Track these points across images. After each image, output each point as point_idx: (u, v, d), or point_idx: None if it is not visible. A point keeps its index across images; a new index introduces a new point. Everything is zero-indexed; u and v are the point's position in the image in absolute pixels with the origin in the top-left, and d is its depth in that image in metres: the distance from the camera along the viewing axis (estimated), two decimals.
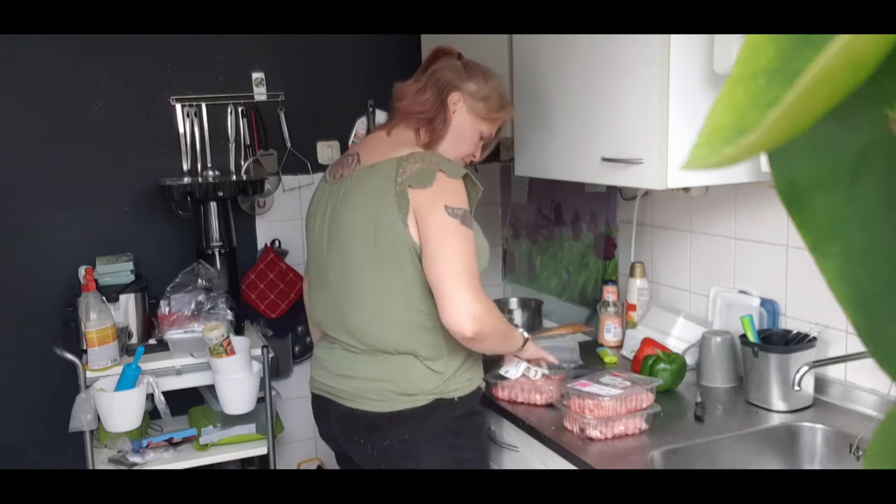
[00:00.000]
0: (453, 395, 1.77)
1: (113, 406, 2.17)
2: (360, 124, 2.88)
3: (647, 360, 1.97)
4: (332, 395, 1.84)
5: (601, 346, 2.34)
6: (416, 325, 1.73)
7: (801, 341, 1.83)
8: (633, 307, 2.32)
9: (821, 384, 1.86)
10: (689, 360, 2.05)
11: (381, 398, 1.74)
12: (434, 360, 1.74)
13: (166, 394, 2.25)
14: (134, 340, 2.38)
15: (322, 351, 1.90)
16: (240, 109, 2.71)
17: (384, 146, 1.82)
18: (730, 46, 1.59)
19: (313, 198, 1.93)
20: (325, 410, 1.88)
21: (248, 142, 2.73)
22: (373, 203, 1.72)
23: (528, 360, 1.95)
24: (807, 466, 1.73)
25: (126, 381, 2.18)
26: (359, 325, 1.76)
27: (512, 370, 1.95)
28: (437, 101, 1.83)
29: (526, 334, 1.89)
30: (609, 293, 2.36)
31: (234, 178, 2.67)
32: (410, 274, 1.70)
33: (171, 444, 2.34)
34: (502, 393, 1.95)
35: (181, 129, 2.65)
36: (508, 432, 1.93)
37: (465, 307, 1.63)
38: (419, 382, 1.74)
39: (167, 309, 2.35)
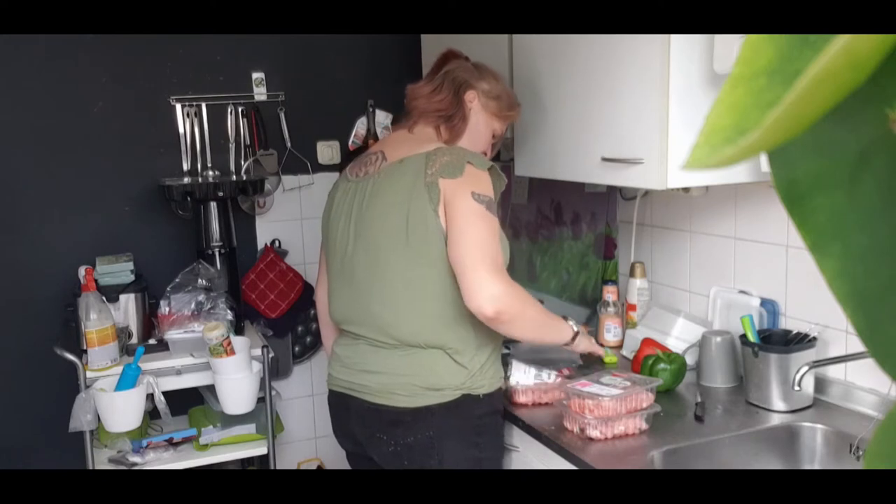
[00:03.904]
0: (479, 392, 1.77)
1: (113, 406, 2.17)
2: (360, 124, 2.88)
3: (647, 360, 1.97)
4: (354, 391, 1.83)
5: (601, 346, 2.34)
6: (445, 318, 1.73)
7: (801, 341, 1.83)
8: (633, 307, 2.32)
9: (821, 384, 1.86)
10: (689, 360, 2.05)
11: (408, 393, 1.74)
12: (462, 353, 1.75)
13: (166, 394, 2.25)
14: (134, 340, 2.38)
15: (343, 348, 1.89)
16: (240, 109, 2.71)
17: (409, 143, 1.84)
18: (730, 46, 1.59)
19: (333, 198, 1.92)
20: (346, 407, 1.86)
21: (248, 142, 2.74)
22: (403, 196, 1.73)
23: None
24: (807, 466, 1.73)
25: (126, 381, 2.18)
26: (389, 319, 1.75)
27: (521, 377, 1.94)
28: (454, 100, 1.88)
29: (576, 327, 1.86)
30: (609, 293, 2.36)
31: (234, 178, 2.67)
32: (441, 266, 1.71)
33: (171, 444, 2.34)
34: (519, 397, 1.93)
35: (181, 129, 2.65)
36: (508, 432, 1.93)
37: (486, 288, 1.63)
38: (446, 377, 1.74)
39: (167, 309, 2.35)
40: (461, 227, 1.67)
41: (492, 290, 1.64)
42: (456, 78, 1.89)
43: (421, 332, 1.74)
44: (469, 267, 1.65)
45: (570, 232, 2.66)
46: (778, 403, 1.81)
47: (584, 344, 1.90)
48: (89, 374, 2.19)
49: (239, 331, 2.46)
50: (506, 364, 1.97)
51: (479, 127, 1.91)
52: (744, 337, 1.88)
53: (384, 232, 1.75)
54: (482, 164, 1.75)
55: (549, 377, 1.92)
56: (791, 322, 1.93)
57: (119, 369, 2.20)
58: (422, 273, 1.72)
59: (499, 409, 1.84)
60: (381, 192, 1.78)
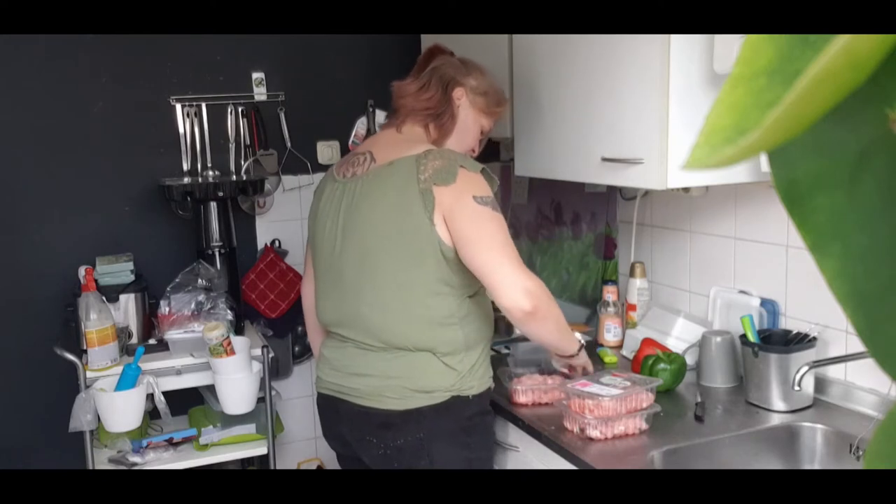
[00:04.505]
0: (469, 393, 1.76)
1: (113, 406, 2.17)
2: (360, 124, 2.88)
3: (647, 360, 1.97)
4: (343, 394, 1.82)
5: (601, 346, 2.34)
6: (435, 322, 1.72)
7: (801, 341, 1.83)
8: (633, 307, 2.32)
9: (821, 384, 1.86)
10: (689, 360, 2.05)
11: (398, 396, 1.73)
12: (452, 356, 1.74)
13: (166, 394, 2.25)
14: (134, 340, 2.38)
15: (331, 350, 1.88)
16: (240, 109, 2.71)
17: (398, 144, 1.82)
18: (730, 46, 1.59)
19: (321, 197, 1.90)
20: (336, 410, 1.85)
21: (248, 142, 2.73)
22: (394, 201, 1.72)
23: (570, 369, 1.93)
24: (807, 466, 1.73)
25: (126, 381, 2.18)
26: (378, 322, 1.74)
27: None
28: (442, 98, 1.86)
29: (582, 340, 1.86)
30: (609, 293, 2.36)
31: (234, 178, 2.67)
32: (432, 271, 1.70)
33: (171, 444, 2.34)
34: (519, 397, 1.93)
35: (181, 129, 2.65)
36: (508, 432, 1.93)
37: (518, 283, 1.63)
38: (436, 379, 1.73)
39: (167, 309, 2.35)
40: (474, 232, 1.66)
41: (526, 284, 1.63)
42: (443, 75, 1.87)
43: (410, 336, 1.73)
44: (497, 267, 1.64)
45: (570, 232, 2.66)
46: (778, 403, 1.81)
47: (583, 358, 1.90)
48: (89, 374, 2.19)
49: (239, 331, 2.46)
50: (506, 364, 1.97)
51: (468, 124, 1.89)
52: (744, 337, 1.88)
53: (374, 235, 1.74)
54: (474, 166, 1.74)
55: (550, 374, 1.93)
56: (791, 322, 1.93)
57: (119, 369, 2.20)
58: (412, 277, 1.71)
59: (488, 408, 1.84)
60: (370, 194, 1.76)
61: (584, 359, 1.89)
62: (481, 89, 1.90)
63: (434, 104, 1.85)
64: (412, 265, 1.71)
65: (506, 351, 2.19)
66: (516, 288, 1.63)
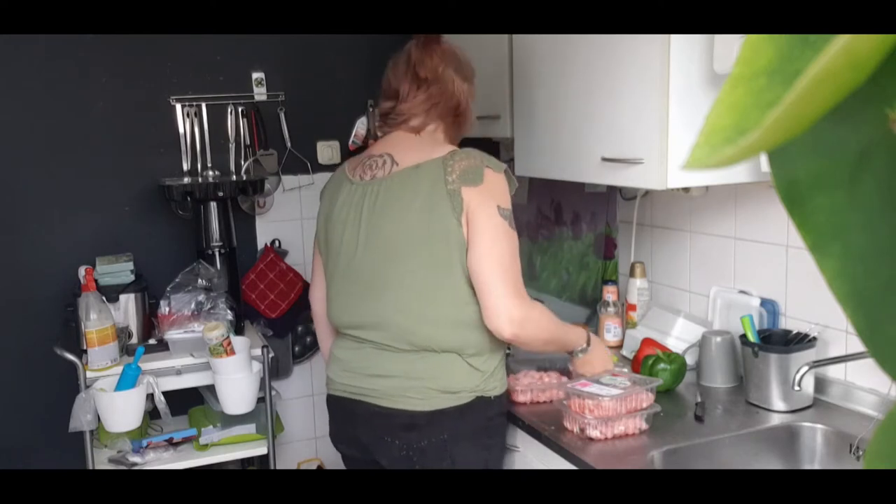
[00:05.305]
0: (492, 394, 1.77)
1: (113, 406, 2.17)
2: (360, 124, 2.88)
3: (647, 360, 1.97)
4: (360, 395, 1.79)
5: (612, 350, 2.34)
6: (461, 324, 1.72)
7: (801, 341, 1.83)
8: (633, 307, 2.32)
9: (821, 384, 1.86)
10: (689, 360, 2.05)
11: (423, 396, 1.72)
12: (477, 357, 1.74)
13: (166, 394, 2.25)
14: (134, 340, 2.38)
15: (345, 351, 1.85)
16: (240, 109, 2.71)
17: (419, 146, 1.79)
18: (730, 46, 1.59)
19: (335, 199, 1.85)
20: (351, 412, 1.82)
21: (248, 142, 2.73)
22: (423, 203, 1.70)
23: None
24: (807, 466, 1.73)
25: (126, 381, 2.18)
26: (405, 324, 1.72)
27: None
28: (460, 97, 1.85)
29: (586, 344, 1.85)
30: (609, 293, 2.36)
31: (234, 178, 2.67)
32: (460, 273, 1.70)
33: (171, 444, 2.34)
34: (517, 397, 1.93)
35: (181, 129, 2.65)
36: (509, 432, 1.93)
37: (506, 310, 1.65)
38: (462, 380, 1.73)
39: (167, 309, 2.35)
40: (486, 244, 1.66)
41: (513, 314, 1.65)
42: (456, 70, 1.85)
43: (438, 338, 1.72)
44: (492, 288, 1.65)
45: (570, 232, 2.66)
46: (778, 403, 1.81)
47: (586, 366, 1.87)
48: (89, 374, 2.19)
49: (239, 331, 2.46)
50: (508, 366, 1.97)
51: (468, 115, 1.90)
52: (744, 337, 1.88)
53: (403, 238, 1.71)
54: (498, 166, 1.74)
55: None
56: (791, 322, 1.93)
57: (119, 369, 2.20)
58: (441, 280, 1.70)
59: (505, 410, 1.84)
60: (396, 197, 1.73)
61: (578, 363, 1.88)
62: (470, 78, 1.89)
63: (454, 104, 1.84)
64: (441, 267, 1.70)
65: (507, 351, 2.19)
66: (502, 315, 1.65)
